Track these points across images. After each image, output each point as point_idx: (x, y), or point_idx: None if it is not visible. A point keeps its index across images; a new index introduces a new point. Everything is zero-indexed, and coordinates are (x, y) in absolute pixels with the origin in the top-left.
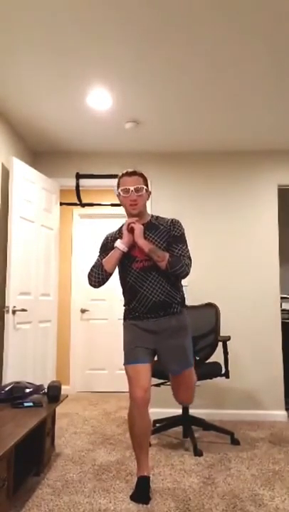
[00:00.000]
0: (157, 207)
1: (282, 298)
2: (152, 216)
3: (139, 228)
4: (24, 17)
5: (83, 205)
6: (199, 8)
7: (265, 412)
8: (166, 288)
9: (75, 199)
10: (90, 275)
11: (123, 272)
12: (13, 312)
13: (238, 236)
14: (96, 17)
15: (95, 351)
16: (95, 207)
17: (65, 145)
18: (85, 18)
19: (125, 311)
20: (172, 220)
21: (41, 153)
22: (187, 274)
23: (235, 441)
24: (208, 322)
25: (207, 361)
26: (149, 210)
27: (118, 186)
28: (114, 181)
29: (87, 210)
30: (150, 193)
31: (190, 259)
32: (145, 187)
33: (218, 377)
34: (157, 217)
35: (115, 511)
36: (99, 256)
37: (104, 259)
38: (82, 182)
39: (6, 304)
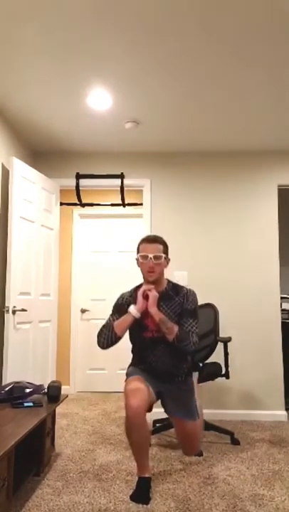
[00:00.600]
0: (157, 207)
1: (282, 298)
2: (168, 284)
3: (153, 296)
4: (24, 17)
5: (83, 205)
6: (200, 8)
7: (265, 412)
8: (174, 360)
9: (75, 199)
10: (99, 335)
11: (133, 337)
12: (13, 312)
13: (238, 236)
14: (96, 17)
15: (95, 351)
16: (95, 207)
17: (65, 145)
18: (85, 19)
19: (133, 361)
20: (188, 291)
21: (41, 153)
22: (193, 351)
23: (235, 441)
24: (207, 323)
25: (207, 362)
26: (148, 211)
27: (138, 251)
28: (115, 181)
29: (87, 210)
30: (169, 260)
31: (197, 336)
32: (164, 255)
33: (219, 377)
34: (174, 285)
35: (115, 511)
36: (111, 315)
37: (115, 323)
38: (82, 182)
39: (6, 304)
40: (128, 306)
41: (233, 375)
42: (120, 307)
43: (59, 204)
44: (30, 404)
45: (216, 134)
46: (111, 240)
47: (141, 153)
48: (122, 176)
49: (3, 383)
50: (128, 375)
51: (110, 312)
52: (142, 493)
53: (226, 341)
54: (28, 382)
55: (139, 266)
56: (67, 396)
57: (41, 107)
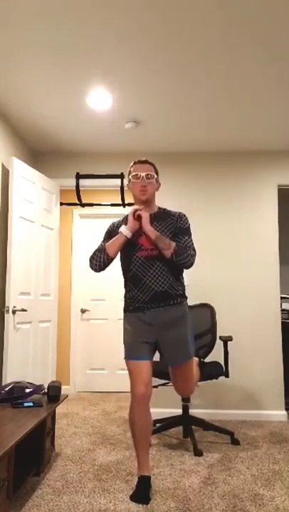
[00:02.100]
0: None
1: (282, 298)
2: (160, 208)
3: (145, 215)
4: (24, 18)
5: (83, 205)
6: (200, 10)
7: (265, 411)
8: (170, 279)
9: (75, 199)
10: (92, 258)
11: (127, 260)
12: (13, 312)
13: (238, 236)
14: (96, 17)
15: (95, 351)
16: (95, 207)
17: (65, 145)
18: (85, 19)
19: (126, 301)
20: (179, 213)
21: (41, 154)
22: (191, 264)
23: (235, 441)
24: (204, 322)
25: (208, 361)
26: None
27: (129, 174)
28: (115, 181)
29: (87, 210)
30: (160, 184)
31: (195, 251)
32: (156, 176)
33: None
34: (164, 209)
35: (115, 511)
36: (103, 241)
37: (107, 244)
38: (82, 182)
39: (6, 304)
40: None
41: (233, 375)
42: (111, 233)
43: (59, 204)
44: (30, 404)
45: (215, 133)
46: None
47: (141, 153)
48: (122, 176)
49: (3, 383)
50: (126, 345)
51: (102, 239)
52: (141, 493)
53: (227, 340)
54: (28, 382)
55: (130, 188)
56: (67, 396)
57: (41, 107)
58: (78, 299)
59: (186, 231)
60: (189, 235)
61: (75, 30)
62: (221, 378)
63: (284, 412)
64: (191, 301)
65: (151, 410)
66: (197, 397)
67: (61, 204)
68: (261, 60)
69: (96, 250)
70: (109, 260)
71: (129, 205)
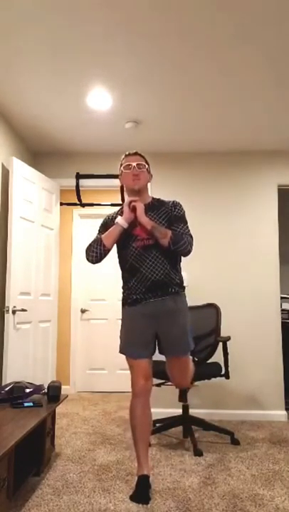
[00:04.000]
0: None
1: (282, 298)
2: (153, 198)
3: (140, 206)
4: (24, 17)
5: (83, 205)
6: (201, 9)
7: (265, 412)
8: (166, 268)
9: (75, 199)
10: (88, 250)
11: (123, 251)
12: (13, 312)
13: (238, 236)
14: (96, 17)
15: (95, 351)
16: (95, 207)
17: (65, 145)
18: (85, 19)
19: (124, 294)
20: (173, 201)
21: (41, 154)
22: (189, 251)
23: (235, 441)
24: (209, 322)
25: (208, 362)
26: None
27: (120, 166)
28: (115, 181)
29: (87, 210)
30: (152, 176)
31: (192, 237)
32: (147, 166)
33: (218, 378)
34: (158, 199)
35: (115, 511)
36: (98, 233)
37: (103, 235)
38: (82, 182)
39: (6, 304)
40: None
41: (233, 375)
42: (106, 224)
43: (59, 204)
44: (30, 404)
45: (216, 134)
46: None
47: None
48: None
49: (3, 383)
50: (124, 339)
51: (97, 231)
52: (141, 493)
53: (225, 341)
54: (28, 382)
55: (122, 181)
56: (67, 396)
57: (41, 107)
58: (78, 299)
59: (181, 218)
60: (185, 222)
61: (75, 31)
62: (221, 378)
63: (284, 412)
64: (191, 302)
65: (151, 410)
66: (197, 397)
67: (61, 204)
68: (262, 60)
69: (92, 242)
70: (106, 251)
71: None
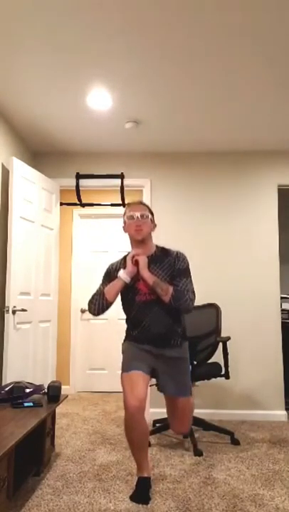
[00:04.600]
0: (157, 207)
1: (282, 298)
2: (157, 248)
3: (143, 260)
4: (24, 17)
5: (83, 205)
6: (201, 9)
7: (265, 412)
8: (168, 322)
9: (75, 199)
10: (90, 302)
11: (126, 304)
12: (13, 312)
13: (238, 236)
14: (96, 17)
15: (95, 351)
16: (95, 207)
17: (65, 145)
18: (85, 19)
19: (127, 334)
20: (177, 253)
21: (41, 154)
22: (190, 309)
23: (235, 441)
24: (209, 322)
25: (207, 362)
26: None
27: (124, 216)
28: (114, 181)
29: (87, 210)
30: (155, 225)
31: (194, 294)
32: (151, 216)
33: (218, 378)
34: (162, 248)
35: (115, 511)
36: (101, 284)
37: (106, 288)
38: (82, 182)
39: (6, 304)
40: (117, 273)
41: (233, 375)
42: (110, 275)
43: (59, 204)
44: (30, 404)
45: (216, 133)
46: (111, 240)
47: (141, 153)
48: (122, 176)
49: (3, 383)
50: (124, 362)
51: (100, 282)
52: (141, 493)
53: (225, 341)
54: (28, 382)
55: (126, 231)
56: (67, 396)
57: (41, 107)
58: (78, 299)
59: (184, 272)
60: (187, 276)
61: (75, 30)
62: (221, 378)
63: (284, 412)
64: None
65: (151, 410)
66: (197, 397)
67: (61, 204)
68: (262, 60)
69: (95, 294)
70: (108, 304)
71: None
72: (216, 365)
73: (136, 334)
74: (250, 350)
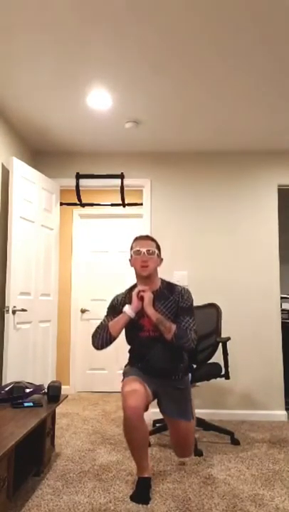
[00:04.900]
0: (157, 207)
1: (282, 298)
2: (162, 283)
3: (148, 297)
4: (24, 18)
5: (83, 205)
6: (201, 9)
7: (265, 412)
8: (171, 358)
9: (75, 199)
10: (94, 336)
11: (130, 338)
12: (13, 312)
13: (238, 236)
14: (96, 18)
15: (94, 351)
16: (95, 207)
17: (65, 145)
18: (85, 19)
19: (130, 362)
20: (182, 289)
21: (41, 153)
22: (192, 348)
23: (235, 441)
24: (209, 323)
25: (208, 362)
26: (148, 211)
27: (131, 249)
28: (115, 181)
29: (87, 210)
30: (162, 260)
31: (196, 333)
32: (157, 251)
33: (218, 378)
34: (168, 284)
35: (115, 511)
36: (106, 317)
37: (110, 323)
38: (82, 182)
39: (6, 304)
40: (122, 306)
41: (233, 375)
42: (115, 308)
43: (59, 204)
44: (30, 404)
45: (216, 133)
46: (111, 240)
47: (141, 153)
48: (122, 176)
49: (3, 383)
50: (125, 374)
51: (105, 314)
52: (141, 493)
53: (224, 341)
54: (28, 382)
55: (132, 265)
56: (67, 396)
57: (41, 107)
58: (78, 299)
59: (187, 311)
60: (191, 315)
61: (75, 31)
62: (221, 378)
63: (284, 412)
64: None
65: (151, 410)
66: (197, 397)
67: (61, 204)
68: (262, 60)
69: (98, 328)
70: (112, 339)
71: (129, 205)
72: (216, 365)
73: (139, 366)
74: (251, 350)
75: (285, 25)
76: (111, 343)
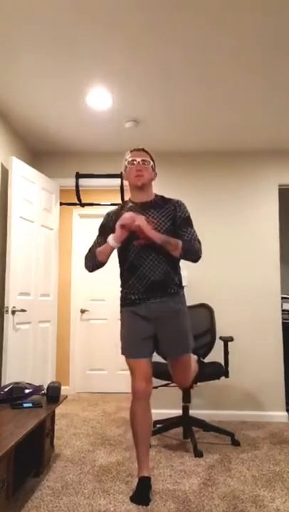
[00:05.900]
0: None
1: (282, 298)
2: (157, 196)
3: (141, 221)
4: (24, 18)
5: (83, 205)
6: (201, 9)
7: (265, 412)
8: (166, 268)
9: (75, 199)
10: (85, 258)
11: (124, 249)
12: (13, 312)
13: (239, 236)
14: (96, 18)
15: (94, 351)
16: (95, 207)
17: (65, 145)
18: (85, 19)
19: (122, 292)
20: (178, 201)
21: (41, 153)
22: (199, 258)
23: (235, 442)
24: (203, 322)
25: (208, 362)
26: None
27: (125, 161)
28: (114, 181)
29: (87, 210)
30: (156, 174)
31: (200, 243)
32: (152, 164)
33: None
34: (162, 196)
35: None
36: (97, 237)
37: (97, 250)
38: (82, 182)
39: (6, 304)
40: (113, 224)
41: (234, 376)
42: (105, 227)
43: (59, 204)
44: (30, 404)
45: (216, 133)
46: None
47: None
48: (121, 176)
49: (3, 384)
50: (124, 343)
51: (97, 233)
52: (142, 494)
53: (227, 341)
54: (27, 383)
55: (126, 178)
56: (66, 397)
57: (41, 107)
58: (78, 299)
59: (187, 221)
60: (191, 225)
61: (75, 31)
62: (222, 379)
63: (284, 413)
64: (190, 302)
65: (152, 411)
66: (197, 398)
67: (61, 204)
68: (262, 60)
69: (89, 251)
70: (100, 265)
71: None
72: (218, 364)
73: (132, 283)
74: (251, 350)
75: None
76: (100, 266)
